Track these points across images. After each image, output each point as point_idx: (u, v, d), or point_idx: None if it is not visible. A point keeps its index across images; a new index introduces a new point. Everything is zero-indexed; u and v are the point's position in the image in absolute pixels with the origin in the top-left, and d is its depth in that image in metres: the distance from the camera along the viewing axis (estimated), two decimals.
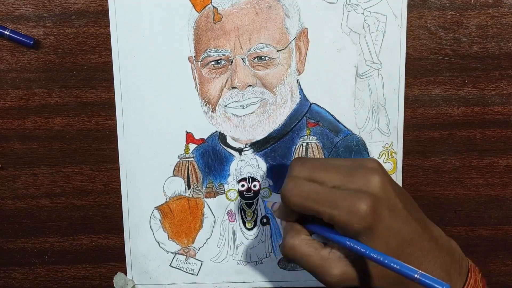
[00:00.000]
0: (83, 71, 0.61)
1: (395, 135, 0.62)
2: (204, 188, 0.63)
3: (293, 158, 0.62)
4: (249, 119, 0.61)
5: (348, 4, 0.59)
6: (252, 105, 0.61)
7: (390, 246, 0.41)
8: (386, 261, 0.40)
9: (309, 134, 0.62)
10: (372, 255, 0.40)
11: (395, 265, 0.39)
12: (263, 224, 0.63)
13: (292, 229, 0.46)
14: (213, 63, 0.60)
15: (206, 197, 0.63)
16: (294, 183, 0.43)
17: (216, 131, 0.62)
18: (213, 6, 0.59)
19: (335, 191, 0.42)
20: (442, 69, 0.61)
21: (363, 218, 0.40)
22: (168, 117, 0.61)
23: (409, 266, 0.39)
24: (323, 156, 0.62)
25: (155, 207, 0.63)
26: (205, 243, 0.64)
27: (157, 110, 0.61)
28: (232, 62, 0.60)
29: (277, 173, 0.62)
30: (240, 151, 0.62)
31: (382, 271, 0.42)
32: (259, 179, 0.62)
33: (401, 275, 0.39)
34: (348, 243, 0.41)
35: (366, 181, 0.41)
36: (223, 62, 0.60)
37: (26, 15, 0.60)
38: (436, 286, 0.37)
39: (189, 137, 0.62)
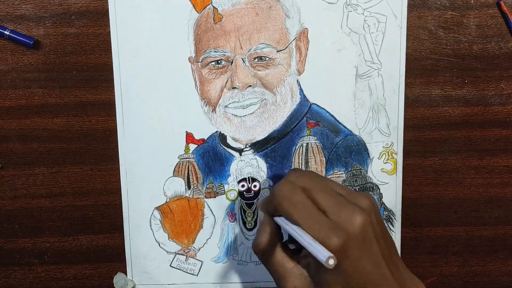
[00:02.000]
0: (83, 71, 0.61)
1: (395, 135, 0.62)
2: (204, 189, 0.63)
3: (293, 158, 0.62)
4: (249, 119, 0.61)
5: (348, 5, 0.59)
6: (252, 105, 0.61)
7: (352, 281, 0.43)
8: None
9: (309, 135, 0.62)
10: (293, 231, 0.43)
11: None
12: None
13: (267, 228, 0.47)
14: (213, 63, 0.60)
15: (206, 197, 0.63)
16: (290, 187, 0.44)
17: (216, 132, 0.62)
18: (213, 7, 0.59)
19: (319, 215, 0.43)
20: (442, 69, 0.61)
21: (334, 251, 0.41)
22: (168, 118, 0.61)
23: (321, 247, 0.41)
24: (323, 157, 0.62)
25: (155, 207, 0.63)
26: (205, 243, 0.64)
27: (157, 110, 0.61)
28: (232, 63, 0.60)
29: (277, 174, 0.62)
30: (240, 151, 0.62)
31: None
32: (259, 179, 0.62)
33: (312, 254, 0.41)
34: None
35: (349, 219, 0.42)
36: (223, 62, 0.60)
37: (26, 15, 0.60)
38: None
39: (189, 138, 0.62)
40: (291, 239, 0.48)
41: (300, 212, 0.43)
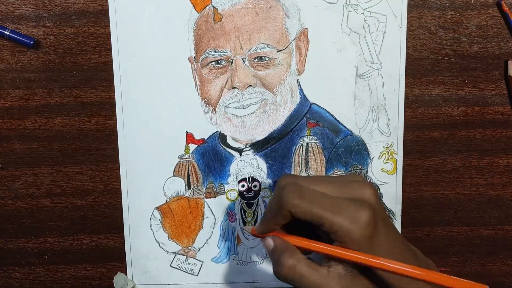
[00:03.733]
0: (83, 71, 0.61)
1: (395, 135, 0.62)
2: (204, 189, 0.63)
3: (293, 158, 0.62)
4: (249, 119, 0.61)
5: (348, 5, 0.59)
6: (252, 105, 0.61)
7: (393, 252, 0.41)
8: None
9: (309, 135, 0.62)
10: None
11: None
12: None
13: (288, 249, 0.43)
14: (213, 63, 0.60)
15: (206, 197, 0.63)
16: (295, 187, 0.42)
17: (217, 132, 0.62)
18: (213, 7, 0.59)
19: (337, 199, 0.41)
20: (442, 69, 0.61)
21: (366, 226, 0.40)
22: (169, 117, 0.61)
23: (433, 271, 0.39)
24: (323, 157, 0.62)
25: (155, 207, 0.63)
26: (205, 243, 0.64)
27: (157, 110, 0.61)
28: (232, 63, 0.60)
29: (277, 174, 0.62)
30: (240, 151, 0.62)
31: (383, 284, 0.42)
32: (259, 179, 0.62)
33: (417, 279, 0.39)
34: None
35: (362, 192, 0.41)
36: (223, 62, 0.60)
37: (26, 15, 0.60)
38: None
39: (189, 138, 0.62)
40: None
41: (319, 204, 0.40)
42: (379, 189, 0.62)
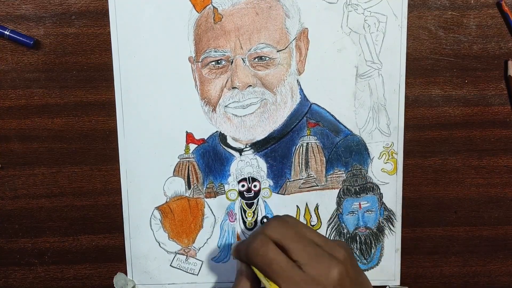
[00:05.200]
0: (83, 71, 0.61)
1: (395, 135, 0.62)
2: (204, 188, 0.63)
3: (293, 158, 0.62)
4: (249, 119, 0.61)
5: (349, 4, 0.59)
6: (252, 105, 0.61)
7: None
8: None
9: (309, 134, 0.62)
10: None
11: None
12: (263, 224, 0.63)
13: (244, 277, 0.47)
14: (213, 63, 0.60)
15: (206, 197, 0.63)
16: (263, 244, 0.44)
17: (217, 131, 0.62)
18: (213, 6, 0.59)
19: (295, 270, 0.43)
20: (442, 69, 0.61)
21: None
22: (169, 117, 0.61)
23: None
24: (324, 157, 0.62)
25: (156, 207, 0.63)
26: (205, 243, 0.64)
27: (157, 110, 0.61)
28: (232, 62, 0.60)
29: (277, 174, 0.62)
30: (240, 151, 0.62)
31: None
32: (260, 179, 0.62)
33: None
34: None
35: (326, 272, 0.43)
36: (223, 62, 0.60)
37: (26, 15, 0.60)
38: None
39: (190, 137, 0.62)
40: None
41: (275, 269, 0.43)
42: (379, 189, 0.62)
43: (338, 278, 0.43)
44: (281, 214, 0.50)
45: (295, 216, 0.62)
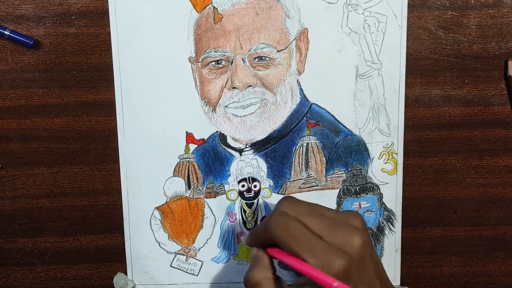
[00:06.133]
0: (83, 71, 0.61)
1: (395, 135, 0.62)
2: (204, 189, 0.63)
3: (293, 158, 0.62)
4: (250, 119, 0.61)
5: (349, 4, 0.59)
6: (252, 105, 0.61)
7: None
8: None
9: (309, 135, 0.62)
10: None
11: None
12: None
13: (261, 262, 0.46)
14: (213, 63, 0.60)
15: (206, 197, 0.63)
16: (282, 218, 0.44)
17: (217, 132, 0.62)
18: (213, 7, 0.59)
19: (317, 240, 0.43)
20: (442, 69, 0.61)
21: (335, 275, 0.41)
22: (169, 117, 0.61)
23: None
24: (324, 157, 0.62)
25: (156, 207, 0.63)
26: (205, 243, 0.64)
27: (157, 110, 0.61)
28: (232, 63, 0.60)
29: (277, 174, 0.62)
30: (240, 151, 0.62)
31: None
32: (260, 179, 0.62)
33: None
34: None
35: (348, 240, 0.42)
36: (223, 62, 0.60)
37: (26, 15, 0.60)
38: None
39: (190, 138, 0.62)
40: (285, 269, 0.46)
41: (298, 240, 0.43)
42: (379, 189, 0.62)
43: (361, 244, 0.42)
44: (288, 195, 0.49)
45: None
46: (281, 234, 0.43)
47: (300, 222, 0.44)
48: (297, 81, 0.61)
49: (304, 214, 0.44)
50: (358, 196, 0.63)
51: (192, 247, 0.64)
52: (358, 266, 0.42)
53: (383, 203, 0.63)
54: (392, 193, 0.63)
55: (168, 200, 0.63)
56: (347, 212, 0.46)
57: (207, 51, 0.60)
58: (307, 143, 0.62)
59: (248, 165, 0.62)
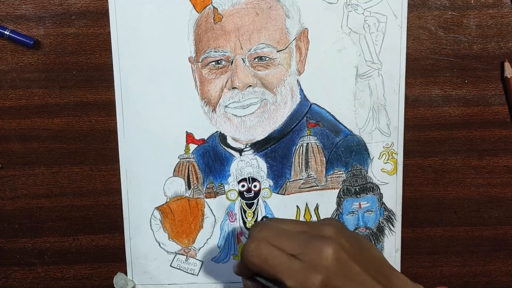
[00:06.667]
0: (83, 71, 0.61)
1: (395, 135, 0.62)
2: (204, 189, 0.63)
3: (293, 158, 0.62)
4: (250, 119, 0.61)
5: (349, 5, 0.59)
6: (252, 105, 0.61)
7: None
8: None
9: (309, 135, 0.62)
10: None
11: None
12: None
13: None
14: (213, 63, 0.60)
15: (206, 197, 0.63)
16: (255, 245, 0.44)
17: (217, 132, 0.62)
18: (213, 7, 0.59)
19: (292, 260, 0.43)
20: (442, 69, 0.61)
21: None
22: (169, 118, 0.61)
23: None
24: (324, 157, 0.62)
25: (156, 207, 0.63)
26: (205, 243, 0.64)
27: (157, 110, 0.61)
28: (232, 63, 0.60)
29: (277, 174, 0.62)
30: (240, 151, 0.62)
31: None
32: (260, 179, 0.62)
33: None
34: None
35: (320, 253, 0.43)
36: (223, 62, 0.60)
37: (26, 15, 0.60)
38: None
39: (190, 138, 0.62)
40: None
41: (273, 264, 0.43)
42: (379, 189, 0.62)
43: (333, 255, 0.42)
44: (265, 219, 0.49)
45: (295, 217, 0.63)
46: (255, 261, 0.44)
47: (273, 245, 0.44)
48: (297, 81, 0.61)
49: (275, 236, 0.45)
50: (358, 196, 0.63)
51: (192, 247, 0.64)
52: (338, 274, 0.42)
53: (383, 203, 0.63)
54: (392, 193, 0.63)
55: (168, 200, 0.63)
56: (319, 223, 0.46)
57: (207, 51, 0.60)
58: (307, 143, 0.62)
59: (248, 165, 0.62)
